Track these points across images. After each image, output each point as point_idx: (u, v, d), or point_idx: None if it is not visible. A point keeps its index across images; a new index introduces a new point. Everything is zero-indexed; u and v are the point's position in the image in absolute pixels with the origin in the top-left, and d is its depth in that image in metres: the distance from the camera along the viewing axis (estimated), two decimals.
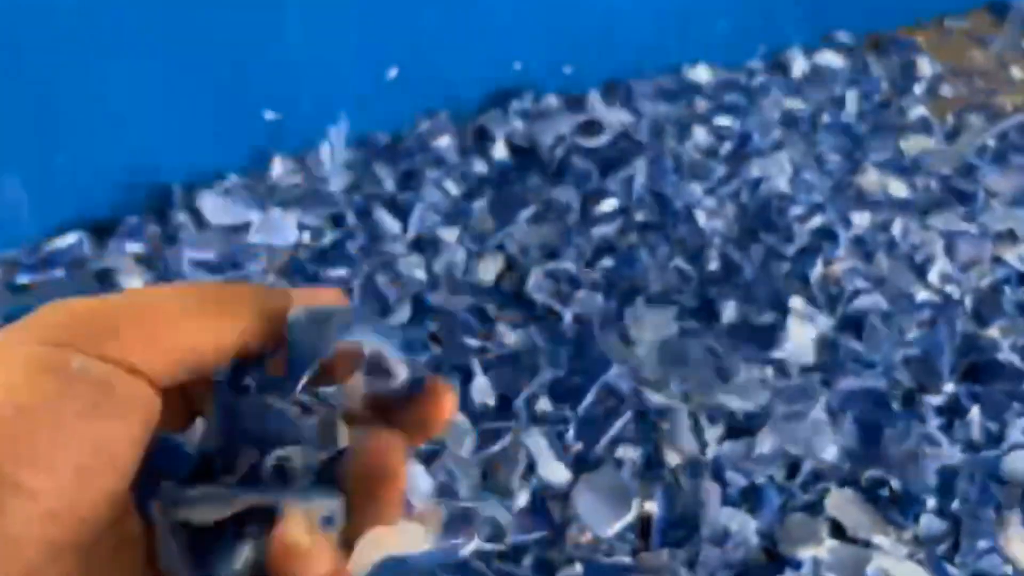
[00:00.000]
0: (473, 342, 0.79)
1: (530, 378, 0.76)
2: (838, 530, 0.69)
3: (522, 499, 0.69)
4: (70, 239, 0.87)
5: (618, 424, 0.73)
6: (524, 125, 1.02)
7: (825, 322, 0.84)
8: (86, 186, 0.88)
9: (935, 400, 0.78)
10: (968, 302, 0.88)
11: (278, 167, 0.95)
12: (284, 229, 0.89)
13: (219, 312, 0.24)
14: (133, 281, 0.84)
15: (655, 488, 0.70)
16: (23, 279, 0.84)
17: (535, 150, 1.00)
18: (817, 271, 0.88)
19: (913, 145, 1.06)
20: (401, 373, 0.25)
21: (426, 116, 1.02)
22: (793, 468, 0.73)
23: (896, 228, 0.94)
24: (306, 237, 0.89)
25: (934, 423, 0.77)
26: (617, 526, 0.68)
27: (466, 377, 0.76)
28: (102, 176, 0.89)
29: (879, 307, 0.85)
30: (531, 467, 0.71)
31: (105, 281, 0.84)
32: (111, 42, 0.82)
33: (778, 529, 0.69)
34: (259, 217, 0.90)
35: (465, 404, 0.74)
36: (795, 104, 1.11)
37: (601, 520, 0.68)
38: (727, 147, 1.01)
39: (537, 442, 0.72)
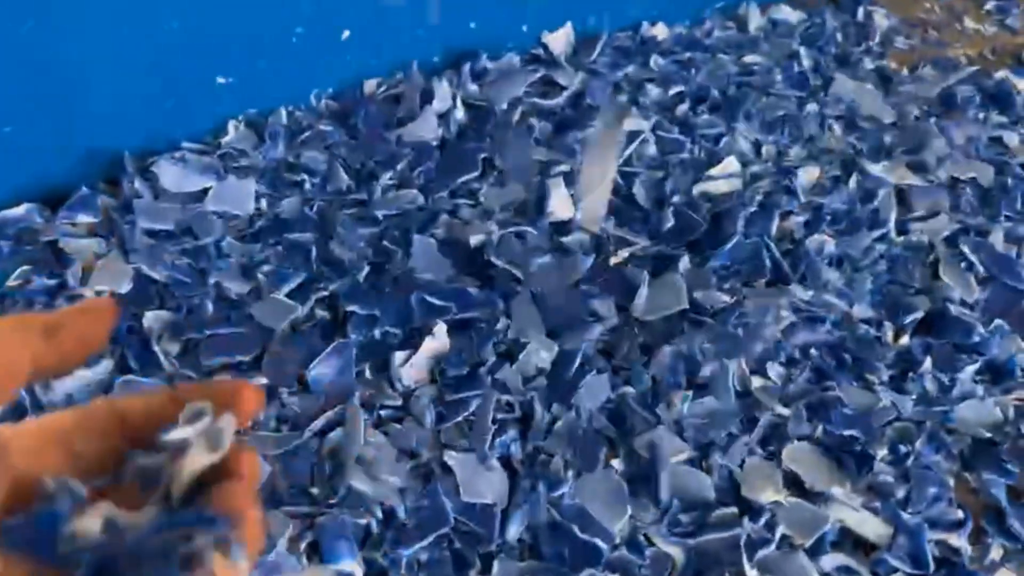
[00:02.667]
0: (436, 301, 0.79)
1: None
2: (796, 484, 0.71)
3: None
4: (20, 210, 0.85)
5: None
6: (480, 86, 1.01)
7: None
8: (36, 156, 0.86)
9: (889, 353, 0.80)
10: (920, 254, 0.90)
11: (232, 133, 0.94)
12: (241, 197, 0.88)
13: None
14: (85, 252, 0.82)
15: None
16: None
17: (490, 111, 0.99)
18: (774, 225, 0.89)
19: (867, 98, 1.07)
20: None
21: (381, 77, 1.01)
22: (751, 423, 0.74)
23: (852, 181, 0.95)
24: (264, 204, 0.88)
25: (886, 375, 0.79)
26: None
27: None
28: (53, 146, 0.87)
29: (833, 258, 0.87)
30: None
31: (58, 253, 0.82)
32: (59, 9, 0.80)
33: (738, 474, 0.71)
34: (216, 185, 0.88)
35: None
36: (753, 59, 1.11)
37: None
38: (683, 108, 1.01)
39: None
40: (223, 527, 0.25)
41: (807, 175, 0.95)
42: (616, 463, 0.71)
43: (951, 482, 0.72)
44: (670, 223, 0.87)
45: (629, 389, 0.74)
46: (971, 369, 0.79)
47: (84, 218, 0.85)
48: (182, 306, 0.78)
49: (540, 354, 0.75)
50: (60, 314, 0.29)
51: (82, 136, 0.88)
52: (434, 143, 0.95)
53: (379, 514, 0.66)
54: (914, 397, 0.77)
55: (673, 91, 1.04)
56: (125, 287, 0.79)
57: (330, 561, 0.63)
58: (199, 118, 0.93)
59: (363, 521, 0.65)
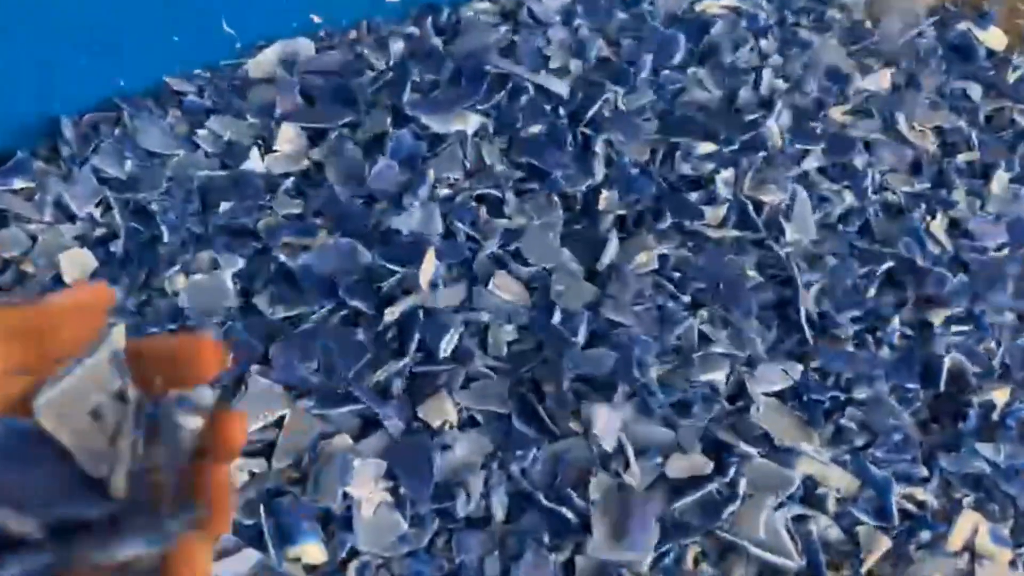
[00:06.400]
0: None
1: None
2: (765, 439, 0.70)
3: None
4: None
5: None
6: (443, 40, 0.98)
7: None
8: None
9: (856, 312, 0.79)
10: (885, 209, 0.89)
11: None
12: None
13: None
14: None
15: None
16: None
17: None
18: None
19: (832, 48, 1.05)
20: (192, 423, 0.27)
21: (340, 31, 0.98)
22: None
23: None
24: (216, 164, 0.85)
25: (851, 330, 0.78)
26: None
27: None
28: None
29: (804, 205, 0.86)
30: None
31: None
32: None
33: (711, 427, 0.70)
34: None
35: None
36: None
37: None
38: (647, 60, 0.99)
39: None
40: (197, 512, 0.26)
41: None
42: None
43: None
44: None
45: None
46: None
47: (20, 183, 0.81)
48: None
49: None
50: (50, 312, 0.26)
51: (15, 98, 0.83)
52: None
53: None
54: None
55: None
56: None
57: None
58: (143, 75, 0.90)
59: None
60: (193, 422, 0.27)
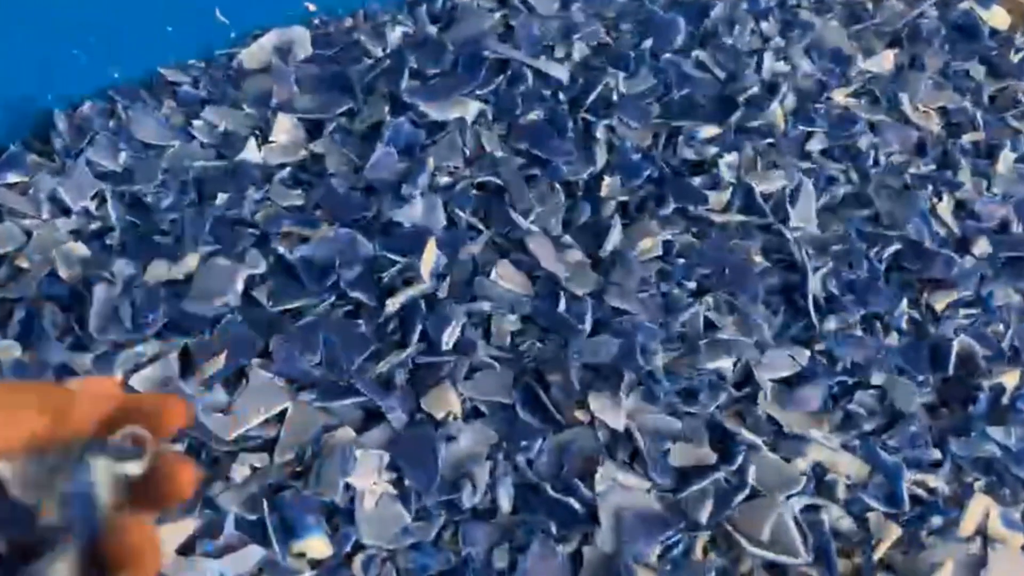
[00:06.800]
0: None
1: None
2: (774, 426, 0.70)
3: None
4: None
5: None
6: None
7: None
8: None
9: (863, 296, 0.78)
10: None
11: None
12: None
13: (5, 410, 0.28)
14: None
15: None
16: None
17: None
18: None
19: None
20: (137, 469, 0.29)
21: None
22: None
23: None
24: (212, 155, 0.83)
25: (858, 314, 0.77)
26: None
27: None
28: None
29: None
30: None
31: None
32: None
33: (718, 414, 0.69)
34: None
35: None
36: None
37: None
38: (647, 44, 0.97)
39: None
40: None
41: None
42: None
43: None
44: None
45: None
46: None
47: (13, 177, 0.80)
48: None
49: None
50: (72, 395, 0.30)
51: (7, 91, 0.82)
52: None
53: None
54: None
55: None
56: None
57: None
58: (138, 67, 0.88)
59: None
60: (131, 468, 0.28)
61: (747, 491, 0.65)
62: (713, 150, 0.86)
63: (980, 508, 0.67)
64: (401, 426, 0.66)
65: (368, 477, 0.62)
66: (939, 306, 0.79)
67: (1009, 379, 0.75)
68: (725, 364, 0.72)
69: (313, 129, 0.84)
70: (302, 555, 0.61)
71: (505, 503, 0.64)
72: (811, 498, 0.66)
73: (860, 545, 0.65)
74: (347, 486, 0.61)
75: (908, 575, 0.64)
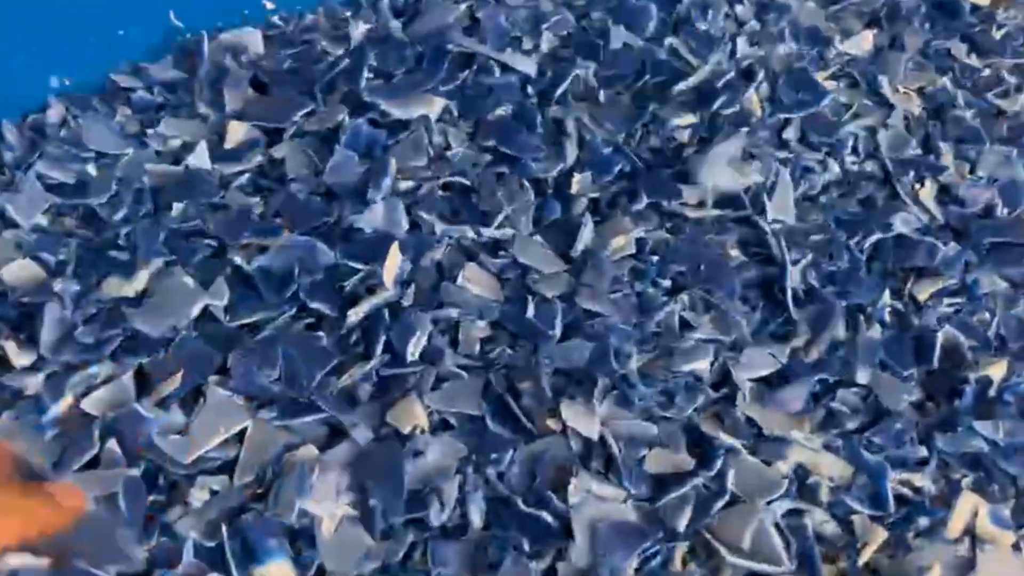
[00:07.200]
0: None
1: None
2: (752, 424, 0.67)
3: None
4: None
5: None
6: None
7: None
8: None
9: (844, 287, 0.75)
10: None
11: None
12: None
13: None
14: None
15: None
16: None
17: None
18: None
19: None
20: None
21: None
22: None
23: None
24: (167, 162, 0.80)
25: (840, 307, 0.74)
26: None
27: None
28: None
29: None
30: None
31: None
32: None
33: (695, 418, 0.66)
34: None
35: None
36: None
37: None
38: (618, 32, 0.94)
39: None
40: None
41: None
42: None
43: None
44: None
45: None
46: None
47: None
48: None
49: None
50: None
51: None
52: None
53: None
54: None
55: None
56: None
57: None
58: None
59: None
60: None
61: (727, 497, 0.63)
62: (688, 140, 0.84)
63: (968, 507, 0.65)
64: (366, 442, 0.64)
65: (326, 500, 0.59)
66: (922, 296, 0.76)
67: (996, 370, 0.72)
68: (702, 365, 0.70)
69: (272, 133, 0.81)
70: None
71: (476, 519, 0.62)
72: (793, 502, 0.64)
73: (845, 549, 0.63)
74: (304, 512, 0.59)
75: None
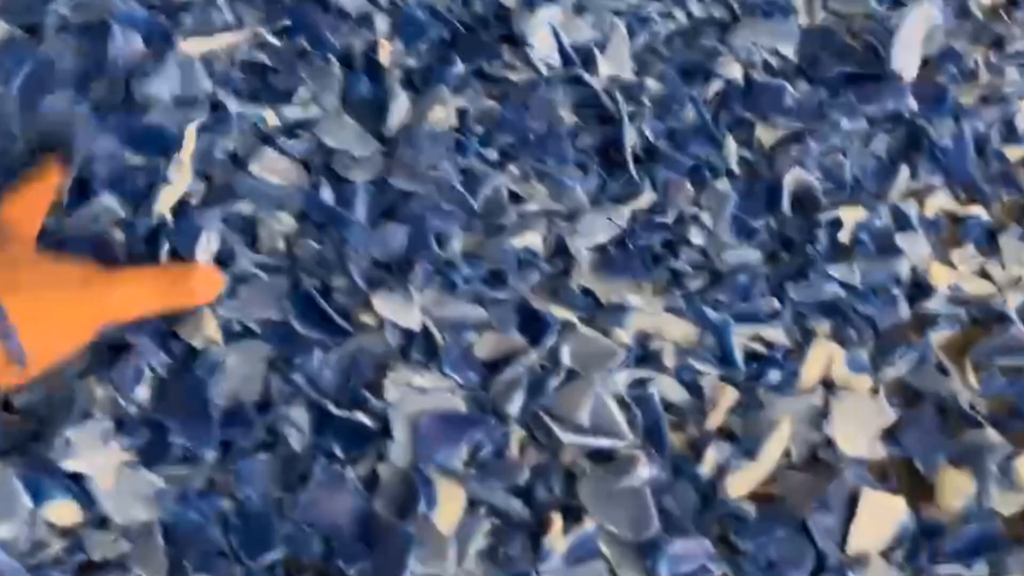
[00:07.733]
0: None
1: None
2: (588, 295, 0.62)
3: None
4: None
5: None
6: None
7: None
8: None
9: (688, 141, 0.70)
10: None
11: None
12: None
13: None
14: None
15: None
16: None
17: None
18: None
19: None
20: None
21: None
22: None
23: None
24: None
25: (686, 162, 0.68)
26: None
27: None
28: None
29: None
30: None
31: None
32: None
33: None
34: None
35: None
36: None
37: None
38: None
39: None
40: None
41: None
42: None
43: None
44: None
45: None
46: None
47: None
48: None
49: None
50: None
51: None
52: None
53: None
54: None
55: None
56: None
57: None
58: None
59: None
60: None
61: (563, 375, 0.57)
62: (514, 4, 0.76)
63: (822, 355, 0.61)
64: (160, 366, 0.56)
65: (95, 457, 0.52)
66: (770, 142, 0.71)
67: (851, 214, 0.68)
68: (535, 239, 0.63)
69: (28, 29, 0.70)
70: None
71: (287, 432, 0.55)
72: (636, 371, 0.59)
73: (694, 415, 0.59)
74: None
75: (747, 439, 0.58)
